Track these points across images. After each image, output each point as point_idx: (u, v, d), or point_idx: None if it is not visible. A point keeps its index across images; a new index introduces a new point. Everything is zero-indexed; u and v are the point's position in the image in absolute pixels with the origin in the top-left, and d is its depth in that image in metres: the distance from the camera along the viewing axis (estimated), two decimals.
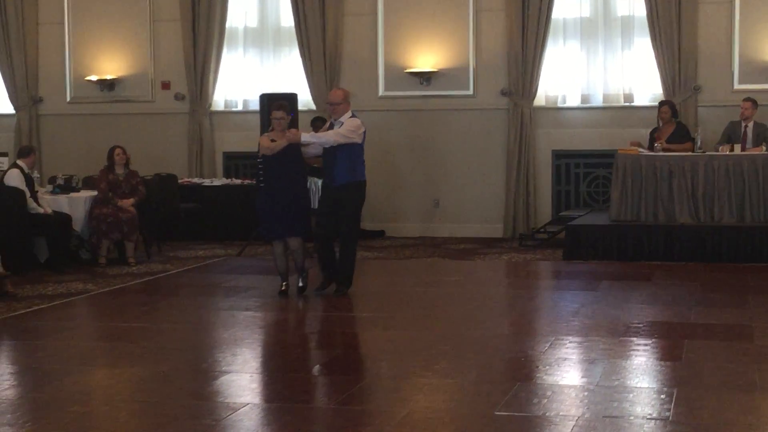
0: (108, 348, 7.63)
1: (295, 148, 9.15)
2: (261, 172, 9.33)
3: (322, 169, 9.55)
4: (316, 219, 9.42)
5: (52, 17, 15.14)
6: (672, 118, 12.43)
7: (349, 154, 9.13)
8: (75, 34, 15.07)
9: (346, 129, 9.09)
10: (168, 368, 6.81)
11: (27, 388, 6.42)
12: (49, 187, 12.10)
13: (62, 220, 11.21)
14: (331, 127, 9.31)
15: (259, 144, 9.38)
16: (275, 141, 9.15)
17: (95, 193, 11.69)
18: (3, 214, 10.33)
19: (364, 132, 9.24)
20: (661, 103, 12.60)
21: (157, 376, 6.60)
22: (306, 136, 9.21)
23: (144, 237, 11.97)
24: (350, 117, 9.20)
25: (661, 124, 12.45)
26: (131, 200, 11.61)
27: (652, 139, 12.31)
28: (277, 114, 9.24)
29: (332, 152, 9.13)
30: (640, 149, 12.00)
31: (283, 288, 9.35)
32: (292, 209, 9.16)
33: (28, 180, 11.13)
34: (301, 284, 9.40)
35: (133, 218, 11.54)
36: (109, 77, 14.93)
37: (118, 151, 11.80)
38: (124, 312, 9.14)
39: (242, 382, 6.52)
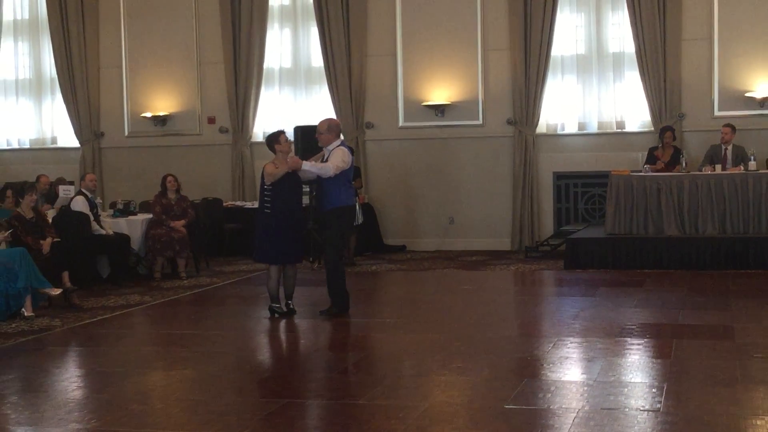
0: (163, 352, 7.67)
1: (297, 176, 8.57)
2: (267, 200, 8.56)
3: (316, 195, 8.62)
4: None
5: (112, 62, 15.29)
6: (673, 142, 12.40)
7: (332, 180, 8.42)
8: (132, 76, 15.20)
9: (338, 159, 8.41)
10: (216, 370, 6.82)
11: (92, 388, 6.47)
12: (110, 211, 12.16)
13: (122, 240, 11.27)
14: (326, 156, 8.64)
15: (263, 172, 8.65)
16: (279, 168, 8.54)
17: (150, 215, 11.76)
18: (70, 236, 10.39)
19: (352, 160, 8.55)
20: (665, 129, 12.49)
21: (206, 377, 6.62)
22: (307, 165, 8.44)
23: (194, 254, 12.02)
24: (337, 146, 8.49)
25: (662, 147, 12.38)
26: (182, 222, 11.67)
27: (651, 155, 12.32)
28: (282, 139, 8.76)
29: (321, 179, 8.52)
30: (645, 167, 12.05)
31: (282, 308, 8.73)
32: (299, 235, 8.75)
33: (92, 205, 11.22)
34: (291, 307, 8.82)
35: (184, 238, 11.60)
36: (161, 114, 15.04)
37: (170, 178, 11.88)
38: (177, 320, 9.20)
39: (282, 381, 6.53)
